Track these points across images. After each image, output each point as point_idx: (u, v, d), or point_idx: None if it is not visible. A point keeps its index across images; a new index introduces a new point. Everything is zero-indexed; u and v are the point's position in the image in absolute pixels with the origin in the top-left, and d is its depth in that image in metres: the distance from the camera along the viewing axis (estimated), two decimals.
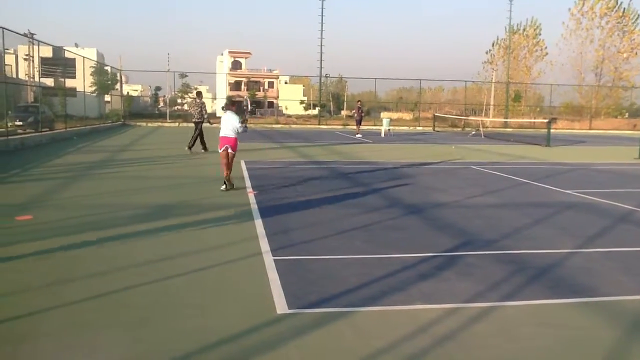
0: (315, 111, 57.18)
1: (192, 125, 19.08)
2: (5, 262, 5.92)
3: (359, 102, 32.94)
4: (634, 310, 4.90)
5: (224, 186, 10.78)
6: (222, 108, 11.22)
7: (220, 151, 10.87)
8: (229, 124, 10.87)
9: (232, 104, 11.62)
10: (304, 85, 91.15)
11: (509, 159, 18.78)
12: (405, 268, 5.96)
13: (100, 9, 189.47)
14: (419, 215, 8.89)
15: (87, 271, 5.61)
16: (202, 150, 18.59)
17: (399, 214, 8.99)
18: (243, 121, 11.22)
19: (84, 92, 32.31)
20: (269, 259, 6.12)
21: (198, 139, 18.64)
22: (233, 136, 10.84)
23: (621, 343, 4.22)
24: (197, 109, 18.79)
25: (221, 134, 10.90)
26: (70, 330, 4.18)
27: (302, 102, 75.40)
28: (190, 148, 18.63)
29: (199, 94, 20.14)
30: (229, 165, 10.81)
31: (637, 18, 55.48)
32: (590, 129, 47.81)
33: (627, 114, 57.18)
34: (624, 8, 55.25)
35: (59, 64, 36.06)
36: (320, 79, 49.65)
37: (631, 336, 4.35)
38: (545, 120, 29.84)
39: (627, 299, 5.17)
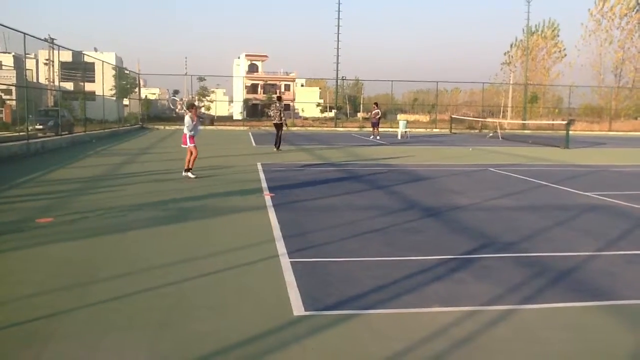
0: (332, 114, 57.18)
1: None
2: (26, 264, 6.01)
3: (376, 105, 32.69)
4: None
5: (188, 173, 12.85)
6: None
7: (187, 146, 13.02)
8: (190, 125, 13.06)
9: (191, 107, 13.84)
10: (320, 88, 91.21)
11: (527, 161, 18.62)
12: (423, 270, 5.94)
13: (119, 13, 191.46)
14: (436, 218, 8.85)
15: (108, 273, 5.68)
16: (276, 149, 20.70)
17: (416, 216, 8.97)
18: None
19: (103, 95, 32.68)
20: (285, 261, 6.13)
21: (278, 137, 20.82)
22: (184, 133, 13.10)
23: None
24: (277, 112, 20.73)
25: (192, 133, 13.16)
26: (93, 331, 4.23)
27: (318, 104, 75.46)
28: (277, 148, 20.73)
29: (279, 98, 21.92)
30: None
31: None
32: (609, 130, 47.24)
33: None
34: None
35: (79, 68, 36.50)
36: (337, 82, 49.75)
37: None
38: (564, 122, 29.57)
39: None
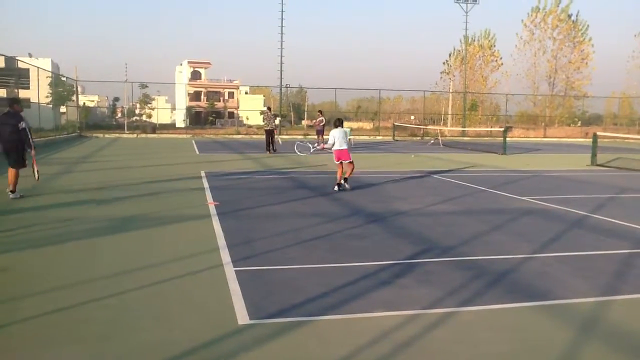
0: (277, 121, 57.15)
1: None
2: None
3: (320, 112, 32.78)
4: (586, 312, 5.08)
5: (336, 187, 12.61)
6: (335, 125, 13.07)
7: (337, 163, 12.79)
8: (344, 139, 12.71)
9: (341, 122, 13.14)
10: (264, 96, 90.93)
11: (467, 167, 19.15)
12: (366, 276, 6.03)
13: (55, 18, 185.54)
14: (379, 224, 8.99)
15: (45, 286, 5.50)
16: (269, 152, 24.35)
17: (359, 222, 9.08)
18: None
19: (39, 103, 31.59)
20: (230, 270, 6.11)
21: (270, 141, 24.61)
22: (345, 148, 12.68)
23: (574, 344, 4.37)
24: (268, 120, 25.02)
25: (337, 148, 12.66)
26: (30, 347, 4.10)
27: (262, 112, 75.22)
28: (274, 150, 24.56)
29: (269, 108, 27.35)
30: (343, 171, 12.76)
31: (587, 29, 57.48)
32: (544, 137, 49.14)
33: (579, 122, 59.12)
34: (574, 20, 57.15)
35: (12, 74, 35.12)
36: (281, 89, 49.79)
37: (584, 337, 4.51)
38: (501, 129, 30.56)
39: (580, 301, 5.36)
